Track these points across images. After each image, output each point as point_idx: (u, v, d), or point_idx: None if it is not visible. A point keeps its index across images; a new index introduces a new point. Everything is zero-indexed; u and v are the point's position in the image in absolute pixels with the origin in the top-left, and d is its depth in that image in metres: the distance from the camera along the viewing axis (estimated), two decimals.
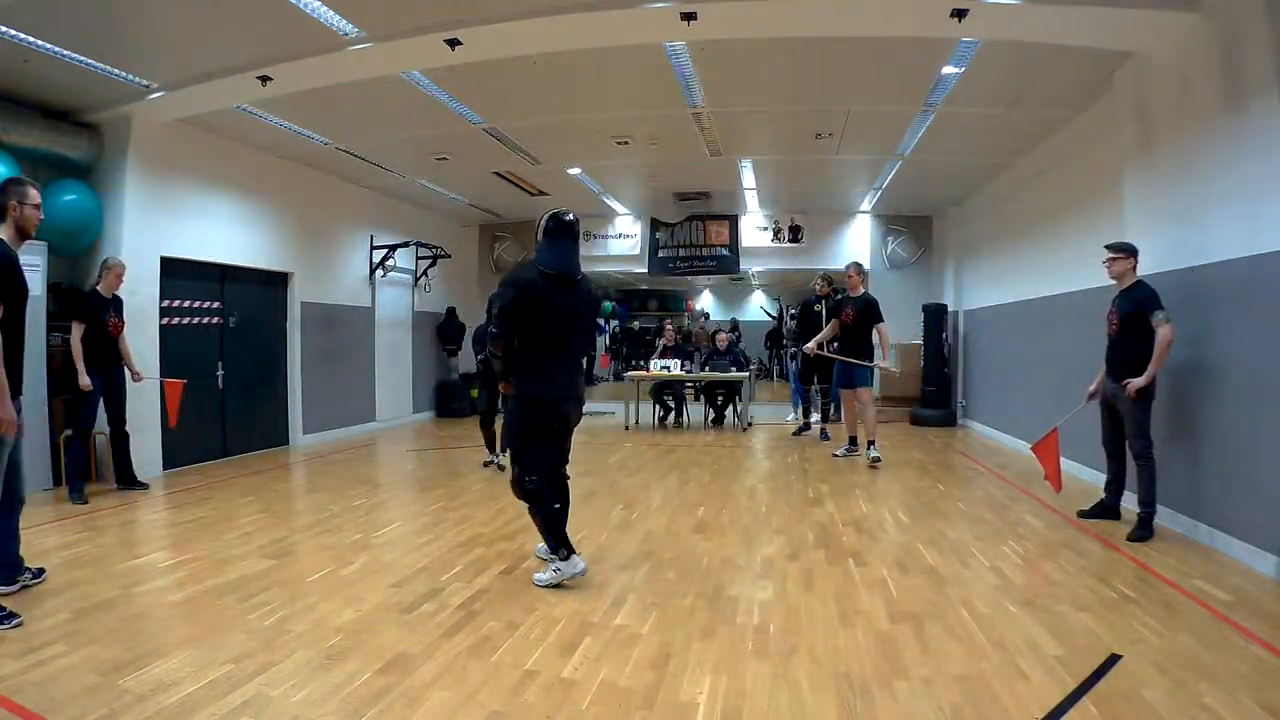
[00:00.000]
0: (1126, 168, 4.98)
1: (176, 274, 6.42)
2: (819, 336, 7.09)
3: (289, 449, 7.74)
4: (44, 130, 5.53)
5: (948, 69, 5.19)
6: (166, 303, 6.32)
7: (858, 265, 6.97)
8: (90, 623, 2.92)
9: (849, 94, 5.88)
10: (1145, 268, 4.35)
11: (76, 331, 5.15)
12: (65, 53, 4.73)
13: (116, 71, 5.09)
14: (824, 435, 8.50)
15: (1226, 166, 3.89)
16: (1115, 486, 4.53)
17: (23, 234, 3.30)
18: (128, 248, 5.88)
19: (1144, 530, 4.12)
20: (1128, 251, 4.31)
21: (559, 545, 3.37)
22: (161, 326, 6.24)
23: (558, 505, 3.42)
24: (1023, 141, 6.90)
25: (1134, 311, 4.16)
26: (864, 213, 10.69)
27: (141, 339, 6.01)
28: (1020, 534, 4.34)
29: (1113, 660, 2.58)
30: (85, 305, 5.26)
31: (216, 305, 6.98)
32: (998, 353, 8.36)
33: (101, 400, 5.32)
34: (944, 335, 9.63)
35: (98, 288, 5.33)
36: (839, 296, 6.76)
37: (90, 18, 4.34)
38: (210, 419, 6.92)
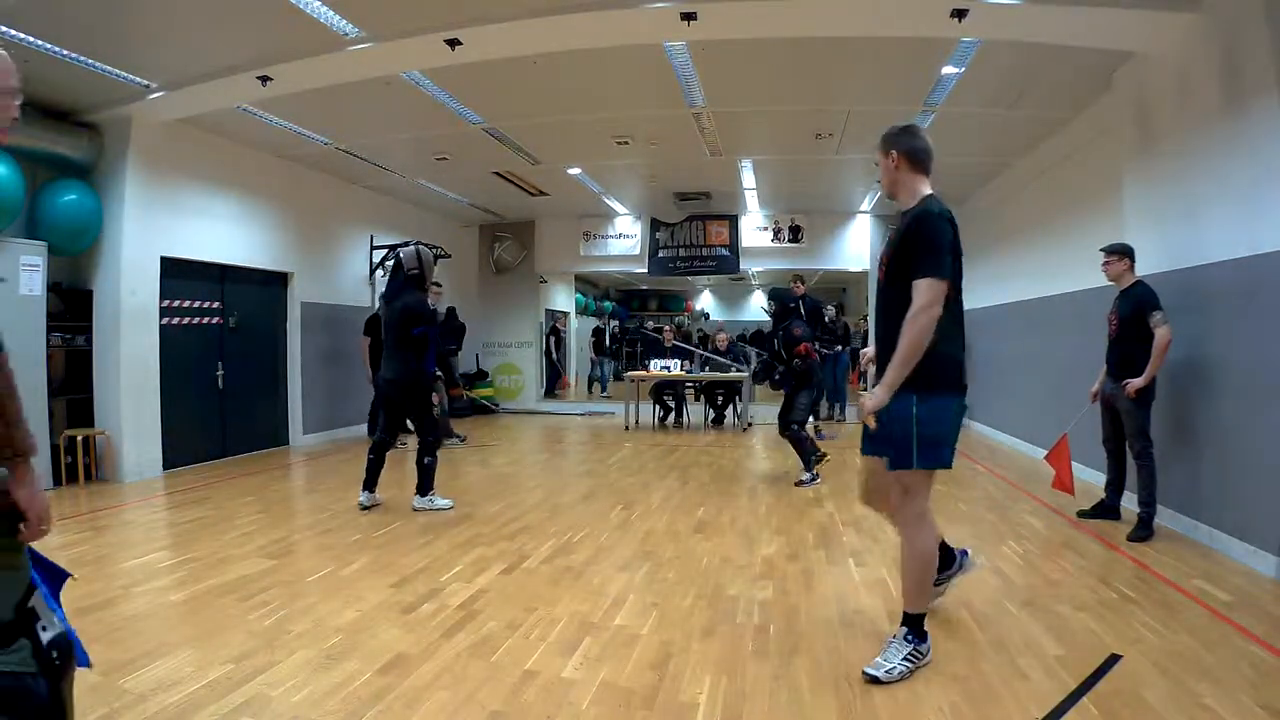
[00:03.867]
0: (1126, 168, 4.97)
1: (176, 274, 6.41)
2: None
3: (289, 449, 7.73)
4: (44, 130, 5.54)
5: (948, 69, 5.19)
6: (166, 303, 6.32)
7: (1124, 248, 4.25)
8: (90, 623, 2.92)
9: (849, 94, 5.88)
10: (1146, 268, 4.34)
11: (364, 343, 7.34)
12: (65, 53, 4.73)
13: (116, 71, 5.09)
14: (819, 435, 8.48)
15: (1226, 166, 3.89)
16: (1115, 486, 4.54)
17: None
18: (128, 248, 5.88)
19: (1144, 530, 4.11)
20: (1122, 252, 4.30)
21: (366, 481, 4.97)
22: (161, 326, 6.24)
23: (372, 457, 4.96)
24: (1023, 141, 6.90)
25: (1133, 312, 4.16)
26: (864, 213, 10.68)
27: (141, 339, 6.02)
28: (1020, 534, 4.33)
29: (1113, 660, 2.58)
30: (371, 322, 7.31)
31: (216, 305, 6.98)
32: (998, 353, 8.36)
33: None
34: None
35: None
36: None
37: (90, 18, 4.34)
38: (210, 419, 6.92)
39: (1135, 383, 4.09)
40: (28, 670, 1.35)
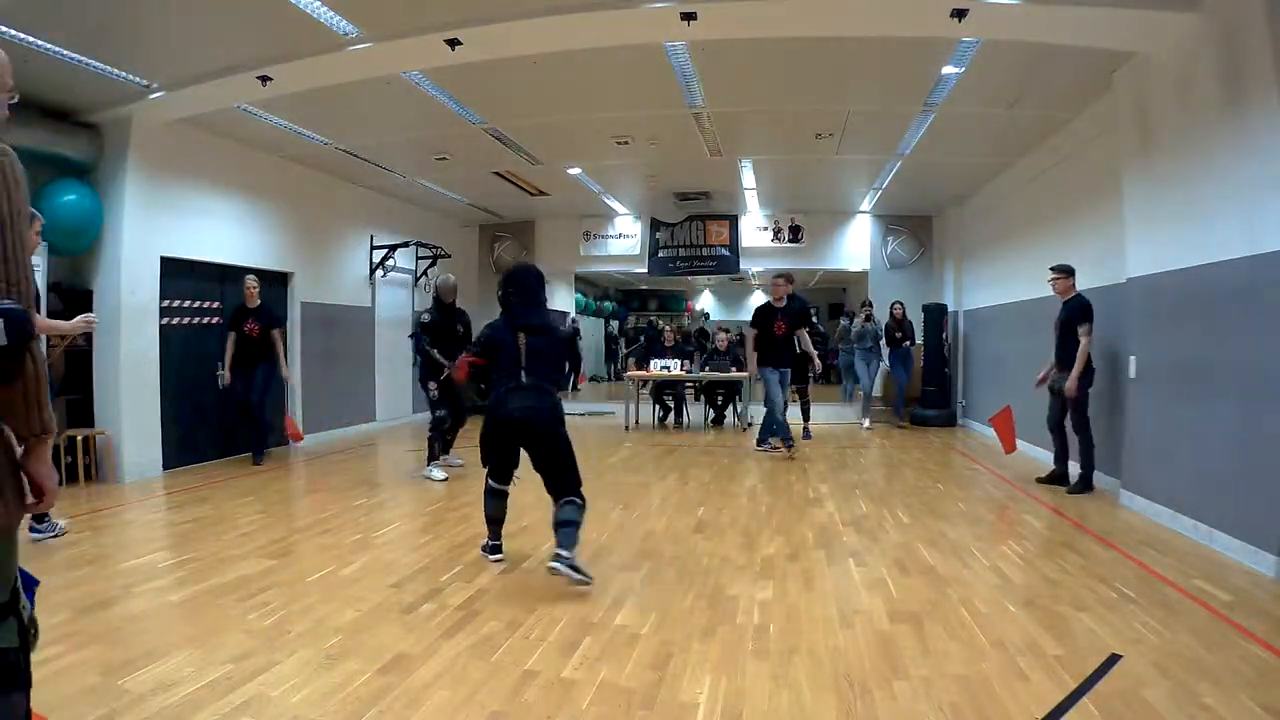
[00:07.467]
0: (1126, 168, 4.97)
1: (176, 274, 6.41)
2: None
3: (289, 448, 7.73)
4: (44, 130, 5.53)
5: (948, 69, 5.19)
6: (166, 302, 6.32)
7: (1068, 269, 5.40)
8: (90, 623, 2.92)
9: (849, 94, 5.88)
10: (1146, 268, 4.37)
11: (230, 339, 6.59)
12: (65, 53, 4.72)
13: (116, 71, 5.09)
14: (806, 434, 8.43)
15: (1226, 166, 3.89)
16: (1062, 456, 5.61)
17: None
18: (128, 248, 5.88)
19: (1084, 485, 5.21)
20: (1068, 272, 5.37)
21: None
22: (161, 326, 6.24)
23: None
24: (1023, 141, 6.90)
25: (1067, 320, 5.26)
26: (864, 213, 10.70)
27: (141, 339, 6.02)
28: (1020, 534, 4.34)
29: (1113, 660, 2.58)
30: (236, 314, 6.63)
31: (217, 305, 6.98)
32: (998, 353, 8.36)
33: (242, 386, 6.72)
34: (944, 335, 9.63)
35: (245, 302, 6.61)
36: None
37: (90, 18, 4.34)
38: (210, 419, 6.92)
39: (1069, 389, 5.16)
40: (13, 646, 1.45)
